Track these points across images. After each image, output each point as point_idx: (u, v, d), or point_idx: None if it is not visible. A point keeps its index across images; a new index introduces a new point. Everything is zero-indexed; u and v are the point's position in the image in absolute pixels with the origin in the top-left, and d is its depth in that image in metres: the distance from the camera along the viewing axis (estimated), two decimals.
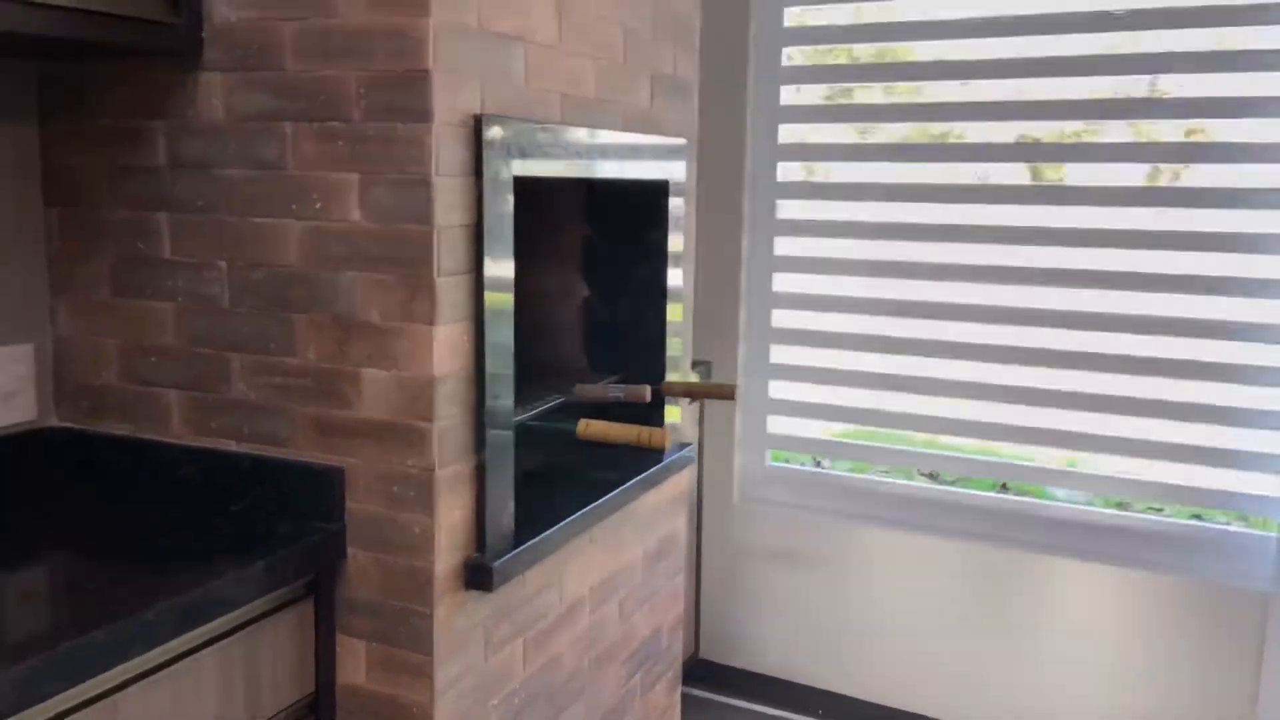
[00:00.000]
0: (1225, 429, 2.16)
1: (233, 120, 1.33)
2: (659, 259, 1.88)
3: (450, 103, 1.26)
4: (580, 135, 1.55)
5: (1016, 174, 2.35)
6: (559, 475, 1.71)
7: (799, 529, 2.53)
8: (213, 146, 1.34)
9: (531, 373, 1.67)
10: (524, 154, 1.40)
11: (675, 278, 1.90)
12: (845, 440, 2.62)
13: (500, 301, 1.37)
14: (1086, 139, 2.24)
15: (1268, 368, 2.10)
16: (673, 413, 1.93)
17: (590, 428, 1.56)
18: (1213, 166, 2.14)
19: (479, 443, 1.36)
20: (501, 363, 1.38)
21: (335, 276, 1.30)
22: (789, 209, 2.51)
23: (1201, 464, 2.19)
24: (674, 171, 1.87)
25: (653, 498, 1.88)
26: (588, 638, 1.69)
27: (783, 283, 2.52)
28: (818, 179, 2.53)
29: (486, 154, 1.32)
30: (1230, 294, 2.12)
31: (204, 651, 1.17)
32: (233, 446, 1.38)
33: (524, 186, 1.43)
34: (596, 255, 1.93)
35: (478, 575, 1.35)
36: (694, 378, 2.41)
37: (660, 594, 1.97)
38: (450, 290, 1.29)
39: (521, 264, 1.42)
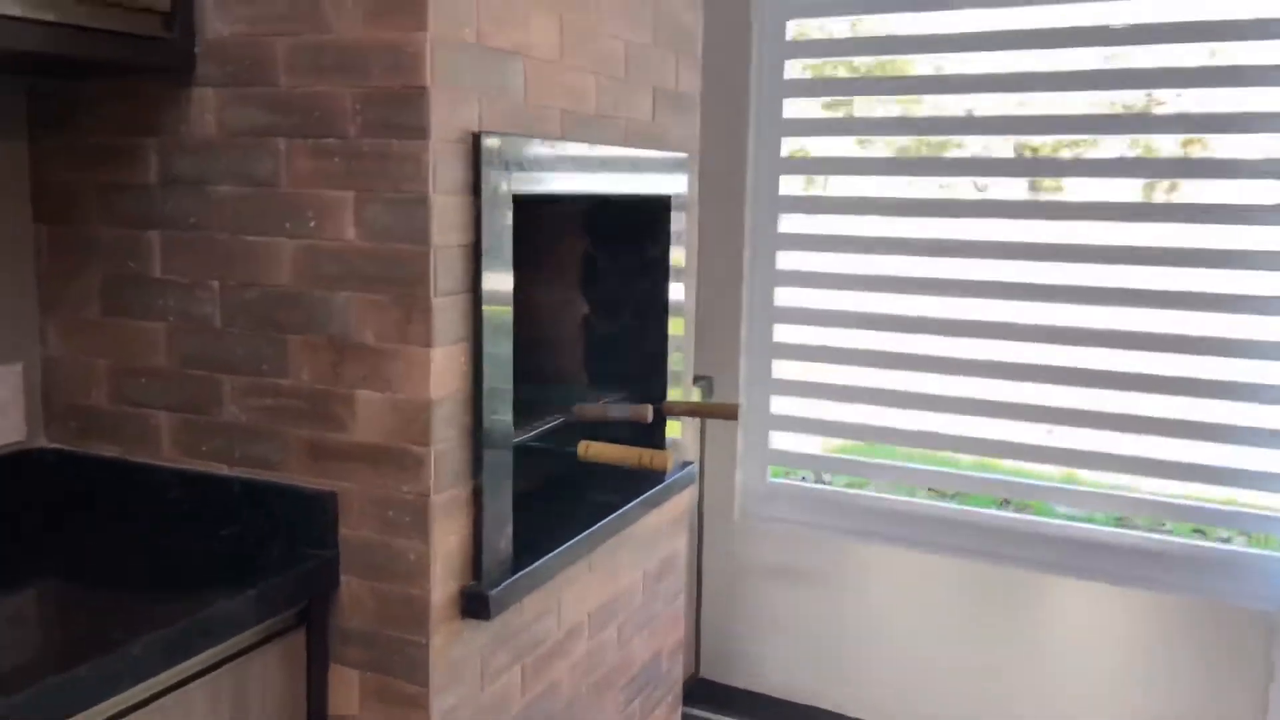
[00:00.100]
0: (1230, 447, 2.13)
1: (225, 137, 1.30)
2: (660, 274, 1.85)
3: (448, 119, 1.23)
4: (581, 151, 1.52)
5: (1016, 187, 2.33)
6: (558, 497, 1.67)
7: (800, 546, 2.50)
8: (205, 163, 1.31)
9: (531, 392, 1.64)
10: (523, 171, 1.37)
11: (677, 292, 1.88)
12: (847, 456, 2.59)
13: (499, 321, 1.34)
14: (1085, 152, 2.22)
15: (1275, 385, 2.07)
16: (674, 428, 1.90)
17: (591, 449, 1.53)
18: (1214, 181, 2.11)
19: (476, 466, 1.33)
20: (500, 384, 1.35)
21: (329, 296, 1.27)
22: (791, 223, 2.48)
23: (1206, 482, 2.16)
24: (676, 186, 1.84)
25: (653, 519, 1.85)
26: (586, 664, 1.66)
27: (785, 297, 2.49)
28: (816, 191, 2.50)
29: (485, 171, 1.29)
30: (1236, 311, 2.09)
31: (192, 685, 1.14)
32: (224, 470, 1.35)
33: (523, 202, 1.40)
34: (597, 271, 1.90)
35: (474, 603, 1.31)
36: (696, 394, 2.38)
37: (660, 617, 1.93)
38: (447, 311, 1.26)
39: (520, 280, 1.39)
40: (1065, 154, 2.25)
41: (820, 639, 2.51)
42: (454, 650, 1.31)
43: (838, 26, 2.43)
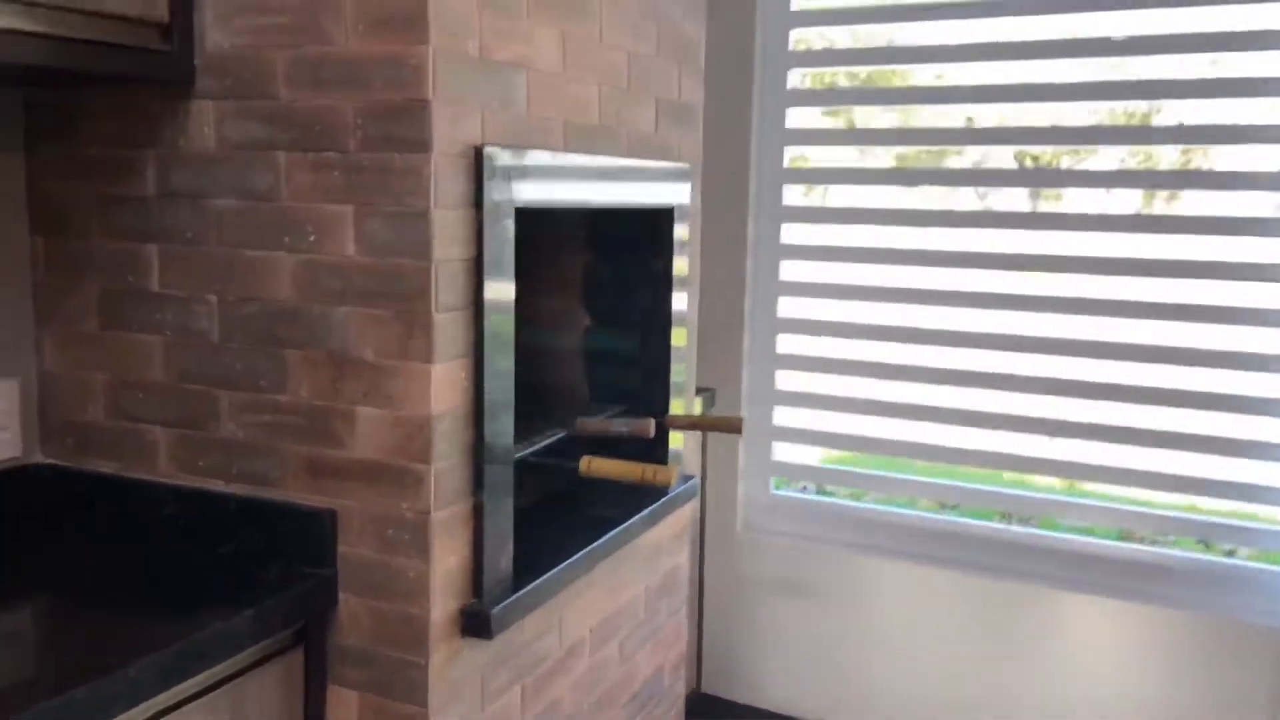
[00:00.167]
0: (1240, 461, 2.11)
1: (224, 150, 1.28)
2: (663, 285, 1.84)
3: (450, 133, 1.22)
4: (583, 163, 1.50)
5: (1018, 197, 2.31)
6: (559, 512, 1.66)
7: (803, 559, 2.48)
8: (204, 176, 1.30)
9: (532, 406, 1.62)
10: (525, 184, 1.36)
11: (680, 302, 1.86)
12: (850, 468, 2.57)
13: (500, 337, 1.32)
14: (1086, 162, 2.21)
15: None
16: (676, 439, 1.88)
17: (593, 465, 1.51)
18: (1219, 192, 2.10)
19: (477, 483, 1.31)
20: (501, 400, 1.33)
21: (329, 311, 1.26)
22: (794, 233, 2.47)
23: (1211, 496, 2.14)
24: (678, 196, 1.83)
25: (655, 533, 1.83)
26: (588, 680, 1.64)
27: (788, 307, 2.48)
28: (815, 200, 2.49)
29: (487, 185, 1.28)
30: (1245, 324, 2.07)
31: (189, 706, 1.12)
32: (221, 486, 1.33)
33: (524, 214, 1.39)
34: (599, 282, 1.88)
35: (475, 623, 1.30)
36: (698, 405, 2.36)
37: (662, 631, 1.92)
38: (448, 326, 1.24)
39: (521, 292, 1.38)
40: (1066, 162, 2.24)
41: (823, 653, 2.48)
42: (454, 670, 1.30)
43: (840, 36, 2.41)
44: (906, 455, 2.40)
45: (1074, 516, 2.29)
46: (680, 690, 2.03)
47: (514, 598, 1.35)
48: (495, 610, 1.30)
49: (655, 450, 1.80)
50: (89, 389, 1.41)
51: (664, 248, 1.83)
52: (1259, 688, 2.09)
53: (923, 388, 2.33)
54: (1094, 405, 2.19)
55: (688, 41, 1.84)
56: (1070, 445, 2.23)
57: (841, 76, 2.49)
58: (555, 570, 1.43)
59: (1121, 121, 2.20)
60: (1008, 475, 2.34)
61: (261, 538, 1.30)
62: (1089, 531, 2.32)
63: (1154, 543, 2.25)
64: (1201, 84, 2.07)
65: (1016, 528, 2.37)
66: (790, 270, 2.47)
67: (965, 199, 2.34)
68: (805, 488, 2.65)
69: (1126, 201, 2.19)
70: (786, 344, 2.48)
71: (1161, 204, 2.22)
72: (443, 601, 1.27)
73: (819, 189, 2.49)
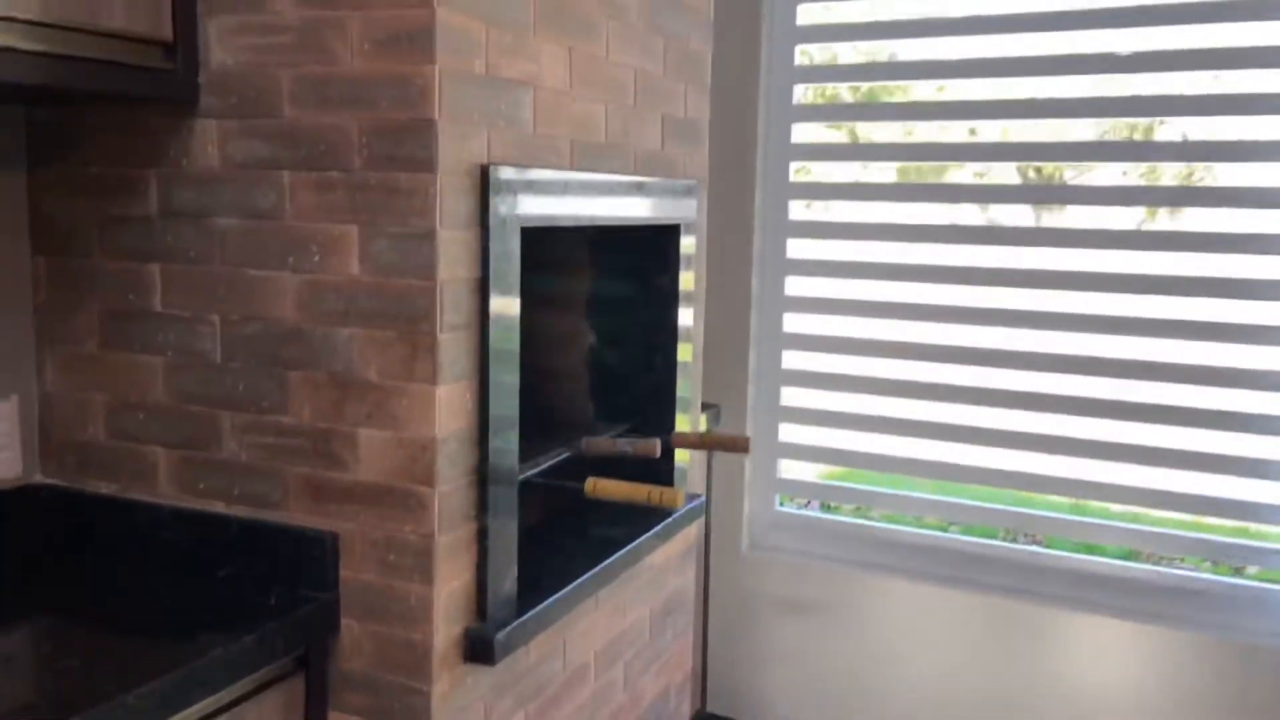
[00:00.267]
0: (1247, 480, 2.09)
1: (228, 169, 1.27)
2: (669, 302, 1.82)
3: (456, 152, 1.21)
4: (590, 181, 1.49)
5: (1022, 211, 2.30)
6: (563, 533, 1.64)
7: (809, 577, 2.46)
8: (207, 196, 1.29)
9: (536, 424, 1.61)
10: (532, 203, 1.34)
11: (685, 318, 1.85)
12: (856, 485, 2.55)
13: (505, 357, 1.31)
14: (1090, 176, 2.19)
15: None
16: (681, 456, 1.86)
17: (599, 487, 1.49)
18: (1227, 209, 2.08)
19: (481, 506, 1.30)
20: (506, 421, 1.32)
21: (332, 332, 1.24)
22: (799, 248, 2.45)
23: (1221, 516, 2.12)
24: (685, 212, 1.81)
25: (661, 553, 1.81)
26: (592, 705, 1.62)
27: (793, 323, 2.46)
28: (817, 216, 2.48)
29: (493, 204, 1.26)
30: (1256, 342, 2.05)
31: None
32: (222, 508, 1.32)
33: (529, 230, 1.38)
34: (604, 299, 1.87)
35: (479, 648, 1.28)
36: (703, 422, 2.34)
37: (668, 653, 1.89)
38: (453, 347, 1.23)
39: (526, 310, 1.37)
40: (1069, 173, 2.23)
41: (829, 673, 2.46)
42: (457, 697, 1.28)
43: (845, 51, 2.41)
44: (912, 473, 2.38)
45: (1080, 535, 2.27)
46: (686, 712, 2.01)
47: (518, 622, 1.33)
48: (499, 636, 1.28)
49: (661, 468, 1.79)
50: (90, 409, 1.39)
51: (670, 264, 1.82)
52: (1268, 711, 2.07)
53: (929, 404, 2.32)
54: (1100, 423, 2.18)
55: (694, 58, 1.82)
56: (1076, 463, 2.21)
57: (845, 91, 2.49)
58: (560, 594, 1.42)
59: (1125, 134, 2.19)
60: (1014, 493, 2.32)
61: (263, 561, 1.29)
62: (1096, 550, 2.30)
63: (1161, 562, 2.23)
64: (1205, 100, 2.06)
65: (1022, 546, 2.35)
66: (795, 286, 2.46)
67: (969, 213, 2.33)
68: (810, 503, 2.63)
69: (1131, 216, 2.18)
70: (792, 360, 2.47)
71: (1166, 218, 2.20)
72: (446, 627, 1.25)
73: (820, 205, 2.48)
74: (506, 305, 1.30)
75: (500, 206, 1.27)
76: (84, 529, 1.40)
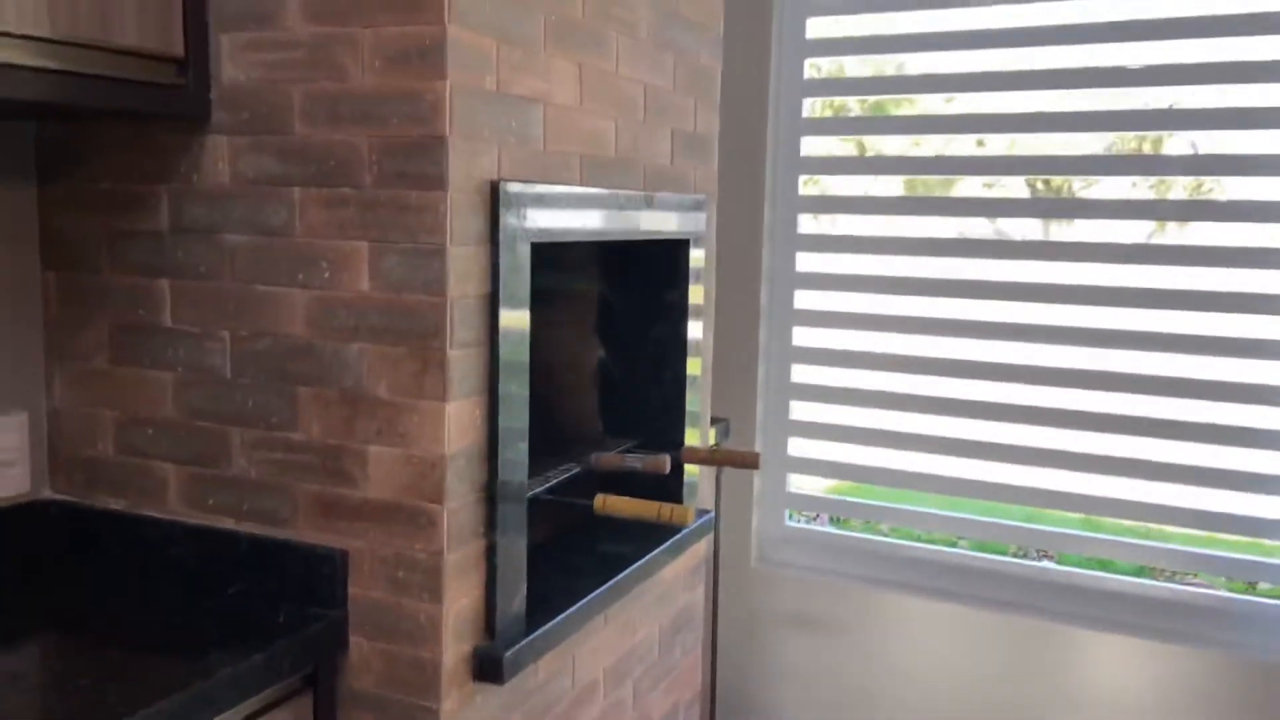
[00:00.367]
0: (1262, 496, 2.07)
1: (239, 185, 1.27)
2: (679, 317, 1.82)
3: (466, 169, 1.20)
4: (599, 196, 1.49)
5: (1032, 225, 2.29)
6: (572, 549, 1.63)
7: (819, 593, 2.44)
8: (217, 211, 1.29)
9: (545, 439, 1.60)
10: (542, 220, 1.34)
11: (695, 331, 1.84)
12: (866, 501, 2.53)
13: (515, 374, 1.30)
14: (1099, 189, 2.18)
15: None
16: (690, 470, 1.85)
17: (608, 503, 1.48)
18: (1239, 224, 2.07)
19: (490, 523, 1.29)
20: (515, 437, 1.31)
21: (342, 348, 1.24)
22: (809, 261, 2.45)
23: (1234, 533, 2.10)
24: (694, 226, 1.81)
25: (670, 570, 1.80)
26: None
27: (803, 337, 2.45)
28: (825, 229, 2.47)
29: (503, 221, 1.26)
30: (1275, 357, 2.04)
31: None
32: (230, 525, 1.31)
33: (539, 245, 1.37)
34: (614, 313, 1.87)
35: (487, 666, 1.27)
36: (712, 436, 2.33)
37: (677, 670, 1.88)
38: (463, 363, 1.22)
39: (535, 325, 1.36)
40: (1078, 184, 2.22)
41: (838, 689, 2.44)
42: (465, 716, 1.27)
43: (854, 65, 2.40)
44: (921, 488, 2.36)
45: (1091, 551, 2.25)
46: None
47: (526, 641, 1.32)
48: (508, 654, 1.27)
49: (671, 483, 1.78)
50: (99, 424, 1.39)
51: (679, 278, 1.81)
52: None
53: (938, 419, 2.30)
54: (1111, 438, 2.16)
55: (704, 73, 1.82)
56: (1087, 478, 2.20)
57: (854, 103, 2.48)
58: (569, 611, 1.41)
59: (1134, 147, 2.18)
60: (1024, 508, 2.31)
61: (271, 578, 1.28)
62: (1107, 566, 2.28)
63: (1174, 578, 2.21)
64: (1215, 114, 2.05)
65: (1033, 562, 2.33)
66: (805, 300, 2.45)
67: (978, 226, 2.32)
68: (819, 518, 2.62)
69: (1141, 229, 2.17)
70: (801, 374, 2.46)
71: (1176, 231, 2.19)
72: (455, 645, 1.24)
73: (826, 219, 2.48)
74: (516, 321, 1.30)
75: (510, 223, 1.27)
76: (92, 545, 1.39)
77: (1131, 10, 2.08)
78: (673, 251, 1.80)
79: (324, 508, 1.26)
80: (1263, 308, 2.04)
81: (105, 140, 1.35)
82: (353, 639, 1.25)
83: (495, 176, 1.25)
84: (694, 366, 1.86)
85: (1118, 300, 2.14)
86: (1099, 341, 2.16)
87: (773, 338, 2.48)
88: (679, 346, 1.82)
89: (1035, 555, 2.56)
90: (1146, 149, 2.22)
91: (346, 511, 1.25)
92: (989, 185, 2.36)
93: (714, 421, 2.44)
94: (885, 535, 2.49)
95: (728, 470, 2.50)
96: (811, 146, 2.43)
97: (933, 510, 2.39)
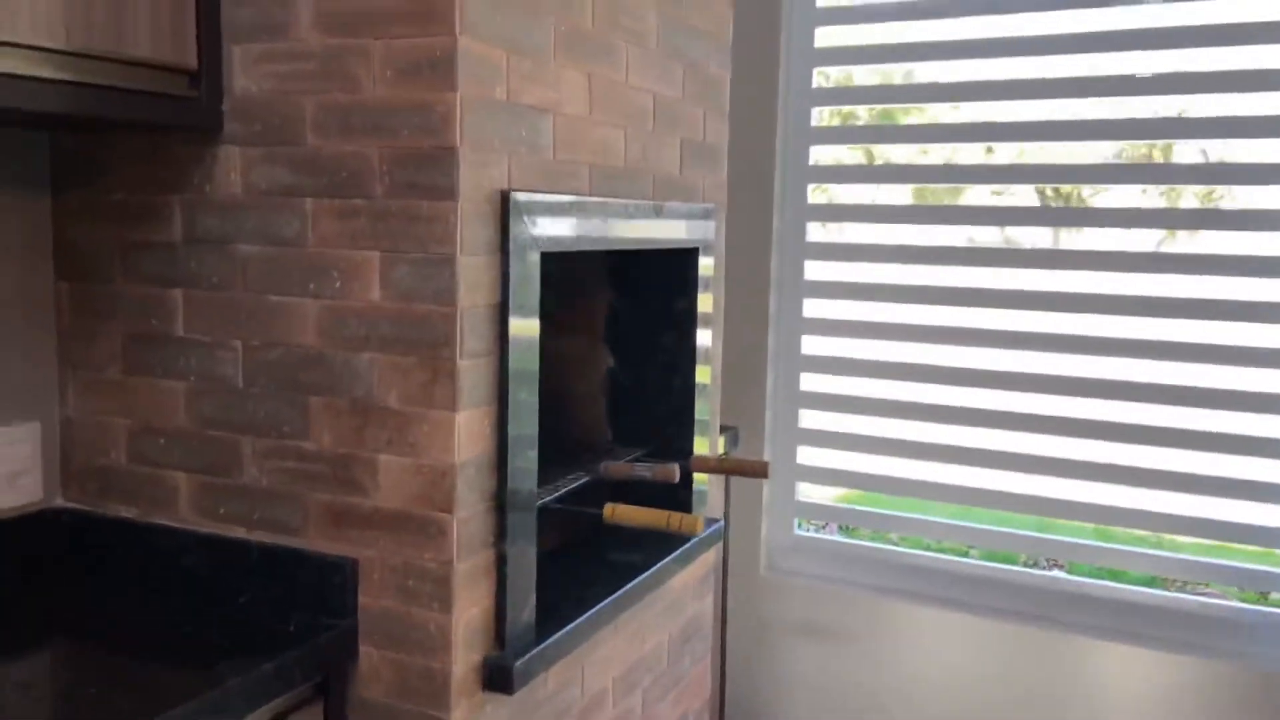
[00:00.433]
0: (1275, 506, 2.06)
1: (251, 196, 1.28)
2: (688, 326, 1.82)
3: (476, 179, 1.21)
4: (609, 205, 1.49)
5: (1042, 233, 2.29)
6: (582, 558, 1.63)
7: (828, 602, 2.44)
8: (230, 222, 1.29)
9: (554, 448, 1.60)
10: (551, 228, 1.34)
11: (704, 339, 1.84)
12: (875, 510, 2.53)
13: (524, 383, 1.30)
14: (1106, 195, 2.18)
15: None
16: (699, 478, 1.85)
17: (618, 512, 1.48)
18: (1251, 233, 2.06)
19: (500, 532, 1.29)
20: (525, 446, 1.31)
21: (353, 358, 1.24)
22: (817, 270, 2.45)
23: (1245, 542, 2.09)
24: (703, 235, 1.81)
25: (679, 579, 1.80)
26: None
27: (811, 345, 2.45)
28: (833, 238, 2.47)
29: (513, 230, 1.27)
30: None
31: None
32: (242, 534, 1.32)
33: (549, 254, 1.37)
34: (623, 322, 1.87)
35: (497, 676, 1.27)
36: (721, 444, 2.33)
37: (686, 679, 1.88)
38: (473, 373, 1.23)
39: (544, 333, 1.36)
40: (1088, 192, 2.22)
41: (848, 698, 2.43)
42: None
43: (862, 74, 2.41)
44: (931, 496, 2.36)
45: (1103, 560, 2.24)
46: None
47: (536, 650, 1.32)
48: (517, 664, 1.27)
49: (680, 492, 1.78)
50: (111, 433, 1.40)
51: (688, 286, 1.82)
52: None
53: (948, 428, 2.30)
54: (1121, 447, 2.15)
55: (713, 82, 1.83)
56: (1098, 488, 2.19)
57: (862, 111, 2.48)
58: (578, 620, 1.41)
59: (1144, 155, 2.18)
60: (1035, 518, 2.30)
61: (282, 587, 1.28)
62: (1118, 576, 2.27)
63: (1185, 588, 2.20)
64: (1225, 122, 2.05)
65: (1043, 571, 2.32)
66: (813, 308, 2.45)
67: (988, 234, 2.32)
68: (828, 526, 2.61)
69: (1150, 237, 2.16)
70: (810, 382, 2.46)
71: (1185, 239, 2.18)
72: (464, 654, 1.24)
73: (837, 225, 2.48)
74: (526, 330, 1.30)
75: (520, 232, 1.28)
76: (104, 553, 1.40)
77: (1141, 19, 2.08)
78: (682, 260, 1.80)
79: (334, 517, 1.26)
80: (1275, 316, 2.03)
81: (118, 151, 1.36)
82: (363, 648, 1.26)
83: (505, 186, 1.26)
84: (703, 375, 1.86)
85: (1126, 308, 2.14)
86: (1108, 350, 2.15)
87: (781, 346, 2.48)
88: (688, 355, 1.82)
89: (1046, 565, 2.55)
90: (1156, 157, 2.22)
91: (357, 521, 1.25)
92: (998, 193, 2.36)
93: (723, 430, 2.44)
94: (895, 544, 2.48)
95: (737, 479, 2.50)
96: (820, 155, 2.43)
97: (943, 519, 2.38)
